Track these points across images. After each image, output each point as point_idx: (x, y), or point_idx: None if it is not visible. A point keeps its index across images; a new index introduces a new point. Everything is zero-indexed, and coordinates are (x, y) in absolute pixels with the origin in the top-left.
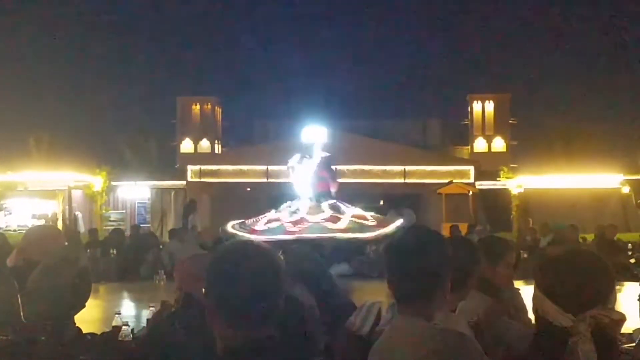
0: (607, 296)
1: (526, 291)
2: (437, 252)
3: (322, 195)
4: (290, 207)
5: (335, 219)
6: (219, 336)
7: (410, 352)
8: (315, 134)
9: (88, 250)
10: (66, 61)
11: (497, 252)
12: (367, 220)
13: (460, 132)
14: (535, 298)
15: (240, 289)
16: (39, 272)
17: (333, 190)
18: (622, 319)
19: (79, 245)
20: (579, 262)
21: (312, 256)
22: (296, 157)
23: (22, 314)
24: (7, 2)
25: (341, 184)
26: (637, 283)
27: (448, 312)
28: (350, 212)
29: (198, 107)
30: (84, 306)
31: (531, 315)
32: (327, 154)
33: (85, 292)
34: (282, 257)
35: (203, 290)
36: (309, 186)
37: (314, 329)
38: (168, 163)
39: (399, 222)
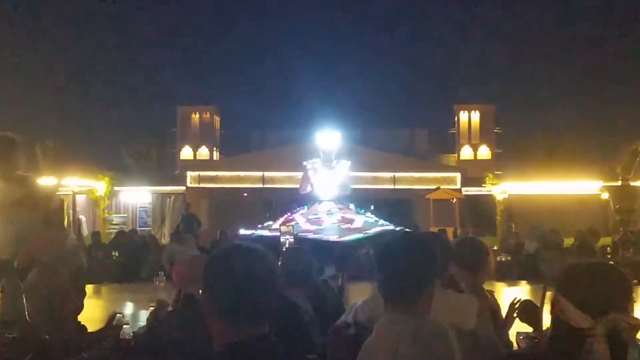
0: (625, 303)
1: (510, 292)
2: (425, 255)
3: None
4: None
5: (347, 221)
6: (215, 334)
7: (395, 344)
8: (331, 139)
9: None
10: (71, 72)
11: (482, 255)
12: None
13: (447, 140)
14: (555, 301)
15: (235, 289)
16: (35, 272)
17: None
18: (639, 325)
19: (79, 247)
20: (602, 271)
21: (306, 258)
22: (317, 161)
23: (26, 313)
24: (13, 12)
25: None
26: None
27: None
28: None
29: (197, 115)
30: (81, 304)
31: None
32: (348, 162)
33: (80, 290)
34: (277, 259)
35: (200, 290)
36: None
37: (310, 331)
38: (168, 169)
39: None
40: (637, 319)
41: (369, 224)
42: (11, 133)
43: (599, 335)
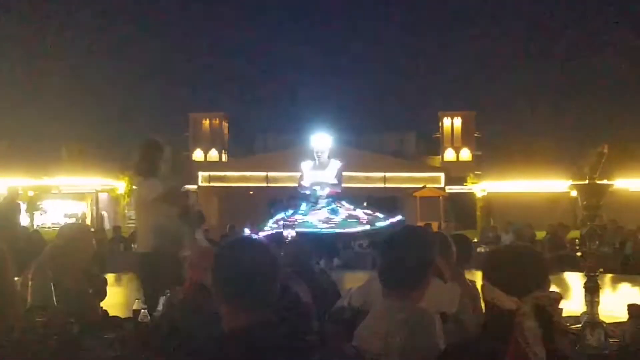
0: (544, 281)
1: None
2: (425, 247)
3: (332, 198)
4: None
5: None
6: (224, 318)
7: (386, 329)
8: (323, 141)
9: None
10: (95, 82)
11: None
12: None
13: (432, 143)
14: (484, 287)
15: (240, 277)
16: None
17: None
18: (559, 298)
19: (103, 240)
20: (519, 255)
21: (306, 251)
22: (308, 163)
23: (54, 298)
24: (40, 23)
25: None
26: (582, 273)
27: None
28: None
29: (207, 121)
30: (101, 290)
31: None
32: (340, 162)
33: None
34: (280, 251)
35: (210, 278)
36: (318, 190)
37: (309, 316)
38: (182, 170)
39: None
40: (557, 293)
41: (371, 217)
42: (159, 138)
43: (526, 314)
